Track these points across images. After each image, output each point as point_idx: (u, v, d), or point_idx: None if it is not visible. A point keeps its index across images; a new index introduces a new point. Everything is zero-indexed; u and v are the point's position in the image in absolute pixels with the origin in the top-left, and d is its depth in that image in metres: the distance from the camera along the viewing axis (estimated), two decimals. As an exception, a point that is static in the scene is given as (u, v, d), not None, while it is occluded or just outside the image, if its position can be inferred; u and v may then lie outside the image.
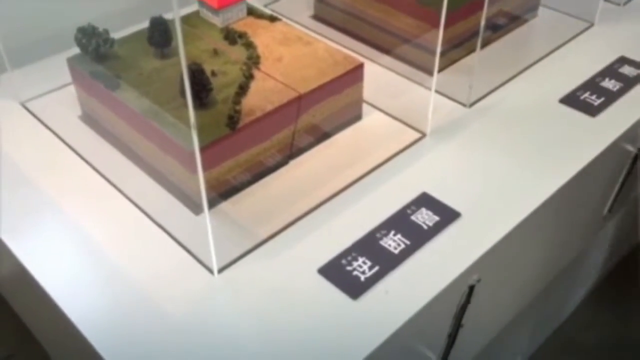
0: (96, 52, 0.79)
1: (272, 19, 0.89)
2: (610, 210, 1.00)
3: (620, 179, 0.97)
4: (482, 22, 0.82)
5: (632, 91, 0.90)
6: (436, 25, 0.77)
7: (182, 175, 0.72)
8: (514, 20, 1.05)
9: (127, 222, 0.72)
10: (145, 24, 0.80)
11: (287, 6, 1.09)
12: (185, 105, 0.73)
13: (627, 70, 0.94)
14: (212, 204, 0.73)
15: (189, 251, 0.68)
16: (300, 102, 0.76)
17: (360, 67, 0.81)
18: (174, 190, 0.75)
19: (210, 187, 0.73)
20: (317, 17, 1.06)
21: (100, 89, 0.78)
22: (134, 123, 0.76)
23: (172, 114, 0.72)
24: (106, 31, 0.80)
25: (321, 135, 0.82)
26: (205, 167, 0.70)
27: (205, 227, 0.63)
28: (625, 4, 1.11)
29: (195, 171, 0.70)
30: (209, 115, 0.72)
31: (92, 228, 0.71)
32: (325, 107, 0.80)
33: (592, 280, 1.47)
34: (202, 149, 0.68)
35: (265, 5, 1.09)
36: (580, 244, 1.04)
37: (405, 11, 0.93)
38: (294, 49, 0.83)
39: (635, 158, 0.94)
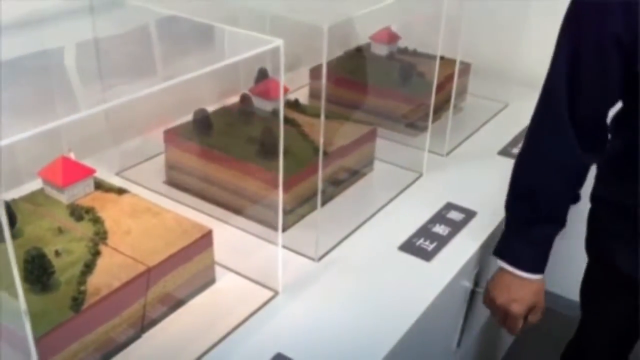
0: None
1: (120, 191, 0.91)
2: (458, 345, 1.07)
3: (463, 314, 1.05)
4: (320, 184, 0.90)
5: (460, 234, 1.01)
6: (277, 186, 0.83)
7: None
8: (353, 174, 1.15)
9: None
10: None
11: (139, 174, 1.12)
12: (27, 289, 0.72)
13: (453, 215, 1.06)
14: (57, 392, 0.70)
15: None
16: (149, 275, 0.76)
17: (209, 233, 0.84)
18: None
19: (55, 374, 0.69)
20: (169, 183, 1.10)
21: None
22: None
23: (10, 301, 0.69)
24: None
25: (175, 304, 0.83)
26: (50, 353, 0.68)
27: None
28: (448, 154, 1.27)
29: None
30: (52, 298, 0.70)
31: None
32: (177, 276, 0.81)
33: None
34: (45, 335, 0.66)
35: (117, 173, 1.12)
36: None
37: (250, 174, 1.00)
38: (142, 221, 0.85)
39: (473, 295, 1.03)
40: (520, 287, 0.93)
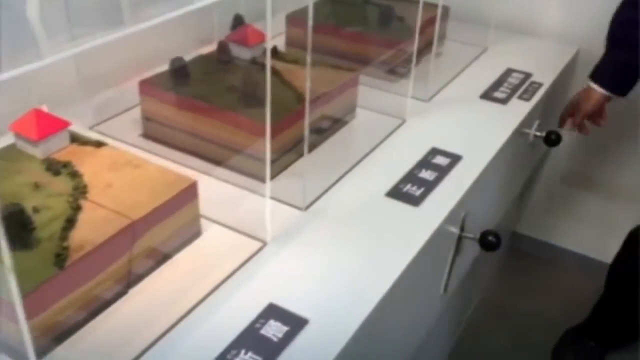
0: None
1: (98, 144, 0.87)
2: (445, 290, 1.07)
3: (450, 259, 1.05)
4: (306, 131, 0.88)
5: (446, 179, 1.00)
6: (262, 135, 0.80)
7: (7, 327, 0.66)
8: (336, 122, 1.13)
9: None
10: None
11: (114, 127, 1.08)
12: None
13: (439, 160, 1.04)
14: (44, 351, 0.68)
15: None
16: (134, 229, 0.74)
17: (193, 185, 0.82)
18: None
19: (41, 333, 0.67)
20: (146, 136, 1.06)
21: None
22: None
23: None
24: None
25: (161, 258, 0.80)
26: (34, 313, 0.65)
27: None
28: (430, 99, 1.25)
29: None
30: (34, 256, 0.67)
31: None
32: (162, 230, 0.78)
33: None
34: (28, 294, 0.64)
35: (91, 127, 1.07)
36: (427, 323, 1.10)
37: (232, 124, 0.97)
38: (123, 174, 0.81)
39: (459, 239, 1.03)
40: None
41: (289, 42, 1.34)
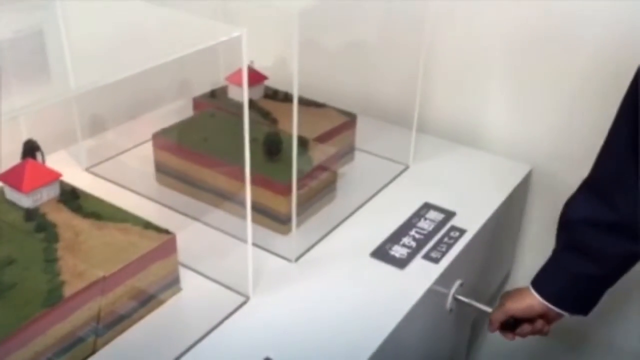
0: None
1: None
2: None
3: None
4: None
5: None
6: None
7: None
8: (146, 302, 0.82)
9: None
10: None
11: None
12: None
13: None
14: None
15: None
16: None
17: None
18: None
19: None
20: None
21: None
22: None
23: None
24: None
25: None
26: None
27: None
28: (297, 259, 0.92)
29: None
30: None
31: None
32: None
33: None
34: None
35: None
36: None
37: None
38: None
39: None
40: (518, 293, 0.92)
41: (158, 168, 1.09)
